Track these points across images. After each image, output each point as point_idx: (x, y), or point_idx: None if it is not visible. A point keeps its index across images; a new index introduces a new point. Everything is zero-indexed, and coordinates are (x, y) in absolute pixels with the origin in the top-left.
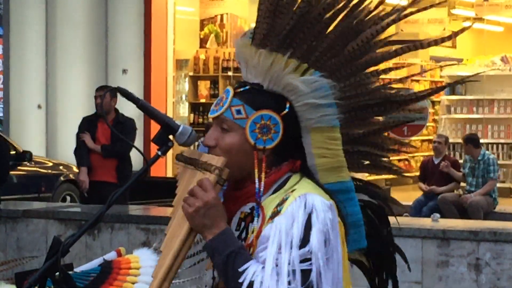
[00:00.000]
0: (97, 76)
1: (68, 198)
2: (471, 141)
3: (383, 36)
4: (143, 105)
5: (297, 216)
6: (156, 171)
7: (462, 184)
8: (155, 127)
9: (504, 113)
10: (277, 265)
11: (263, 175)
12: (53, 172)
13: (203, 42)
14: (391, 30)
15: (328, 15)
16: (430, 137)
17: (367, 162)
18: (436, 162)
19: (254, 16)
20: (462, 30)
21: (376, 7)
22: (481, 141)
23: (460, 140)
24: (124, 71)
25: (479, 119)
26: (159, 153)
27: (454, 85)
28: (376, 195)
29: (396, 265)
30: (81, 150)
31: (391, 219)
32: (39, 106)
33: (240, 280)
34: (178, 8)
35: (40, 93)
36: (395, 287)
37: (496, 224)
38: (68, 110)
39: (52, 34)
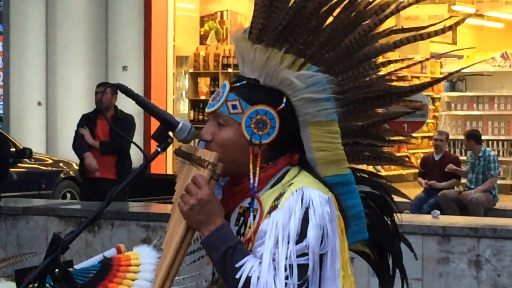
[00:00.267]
0: (97, 73)
1: (68, 195)
2: (473, 137)
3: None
4: (142, 102)
5: (294, 211)
6: (156, 168)
7: (463, 180)
8: (155, 124)
9: (504, 109)
10: (274, 260)
11: (257, 170)
12: (53, 169)
13: (203, 39)
14: (391, 25)
15: (324, 9)
16: (431, 134)
17: (367, 153)
18: (436, 158)
19: None
20: (463, 19)
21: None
22: (482, 137)
23: (460, 137)
24: (124, 68)
25: (479, 116)
26: (159, 149)
27: (447, 78)
28: (378, 186)
29: (401, 255)
30: (79, 142)
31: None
32: (39, 103)
33: (237, 276)
34: (178, 5)
35: (40, 90)
36: (403, 277)
37: (496, 220)
38: (68, 107)
39: (52, 31)
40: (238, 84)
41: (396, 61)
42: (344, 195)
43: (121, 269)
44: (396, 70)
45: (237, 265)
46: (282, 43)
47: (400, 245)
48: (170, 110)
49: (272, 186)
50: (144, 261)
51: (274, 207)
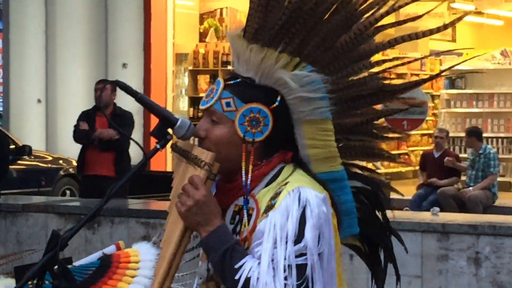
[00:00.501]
0: (97, 70)
1: (68, 192)
2: (475, 134)
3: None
4: (141, 99)
5: (292, 211)
6: (155, 165)
7: (463, 178)
8: (154, 121)
9: (504, 107)
10: (273, 261)
11: (250, 168)
12: (53, 166)
13: (202, 36)
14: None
15: (320, 9)
16: (430, 131)
17: (360, 150)
18: (436, 156)
19: None
20: (459, 18)
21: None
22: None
23: (459, 134)
24: (124, 65)
25: (479, 113)
26: (158, 146)
27: (441, 76)
28: (370, 181)
29: (392, 248)
30: (82, 131)
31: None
32: (39, 101)
33: (237, 277)
34: (177, 2)
35: (40, 87)
36: (396, 270)
37: (495, 218)
38: (68, 104)
39: (52, 28)
40: (232, 82)
41: (396, 58)
42: (336, 191)
43: (120, 266)
44: (390, 67)
45: (236, 266)
46: (278, 43)
47: (391, 239)
48: (169, 108)
49: (267, 185)
50: (143, 258)
51: (270, 207)
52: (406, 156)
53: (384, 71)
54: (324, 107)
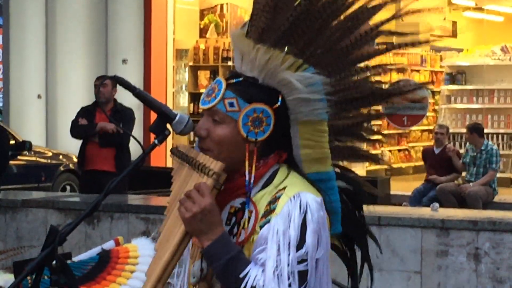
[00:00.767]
0: (97, 66)
1: (68, 187)
2: (476, 130)
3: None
4: (139, 94)
5: (293, 217)
6: (156, 161)
7: (463, 174)
8: (154, 117)
9: (504, 103)
10: (277, 267)
11: (253, 168)
12: (53, 162)
13: (203, 32)
14: (392, 25)
15: (327, 11)
16: (430, 127)
17: (346, 150)
18: (436, 152)
19: None
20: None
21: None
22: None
23: (460, 130)
24: (124, 61)
25: (479, 109)
26: (156, 141)
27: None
28: (351, 180)
29: (368, 247)
30: (80, 126)
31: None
32: (39, 96)
33: (242, 286)
34: None
35: (40, 83)
36: (370, 269)
37: (495, 213)
38: (68, 100)
39: (52, 24)
40: (234, 81)
41: (391, 64)
42: (326, 191)
43: (119, 261)
44: (383, 65)
45: (241, 275)
46: (284, 44)
47: (366, 238)
48: (169, 103)
49: (263, 187)
50: (142, 254)
51: (270, 211)
52: (406, 153)
53: (377, 67)
54: (322, 108)
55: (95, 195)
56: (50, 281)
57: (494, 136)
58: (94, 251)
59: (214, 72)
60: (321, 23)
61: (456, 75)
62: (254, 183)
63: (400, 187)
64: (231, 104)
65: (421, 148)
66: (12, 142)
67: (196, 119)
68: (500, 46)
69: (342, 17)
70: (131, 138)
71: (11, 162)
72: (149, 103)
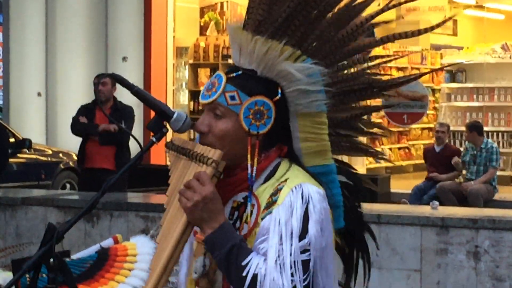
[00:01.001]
0: (97, 64)
1: (68, 185)
2: (476, 128)
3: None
4: (137, 92)
5: (296, 208)
6: (155, 158)
7: (463, 172)
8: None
9: (504, 101)
10: (279, 257)
11: (255, 161)
12: (53, 159)
13: (203, 30)
14: (391, 16)
15: (323, 2)
16: (431, 125)
17: (346, 144)
18: (437, 150)
19: None
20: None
21: None
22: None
23: (460, 128)
24: (124, 58)
25: (479, 107)
26: (154, 139)
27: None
28: (353, 176)
29: (366, 243)
30: (81, 124)
31: (372, 205)
32: (39, 94)
33: (244, 274)
34: None
35: (40, 80)
36: (369, 265)
37: (495, 211)
38: (68, 97)
39: (52, 22)
40: (234, 74)
41: (389, 56)
42: (327, 184)
43: (118, 259)
44: (381, 63)
45: (243, 263)
46: (281, 35)
47: (364, 234)
48: (170, 101)
49: (265, 181)
50: (141, 251)
51: (272, 203)
52: (406, 151)
53: (375, 66)
54: (321, 100)
55: (95, 193)
56: (47, 279)
57: (495, 134)
58: (92, 249)
59: (214, 70)
60: (317, 14)
61: (456, 73)
62: (256, 176)
63: (400, 185)
64: (232, 98)
65: (421, 146)
66: (12, 140)
67: (196, 117)
68: (500, 44)
69: (337, 8)
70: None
71: (11, 160)
72: (147, 101)
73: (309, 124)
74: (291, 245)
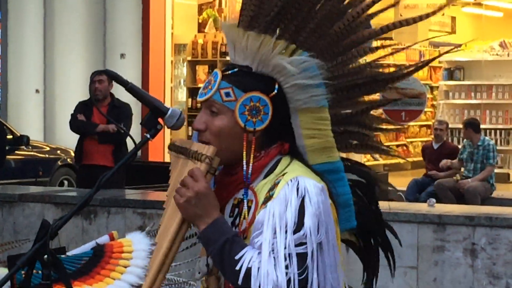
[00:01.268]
0: (95, 61)
1: (66, 182)
2: (471, 125)
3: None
4: (132, 88)
5: (290, 200)
6: (153, 155)
7: (462, 170)
8: None
9: (502, 98)
10: (273, 250)
11: (251, 158)
12: (51, 156)
13: (201, 27)
14: (390, 15)
15: None
16: (429, 123)
17: (355, 142)
18: (435, 147)
19: None
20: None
21: None
22: (480, 126)
23: (458, 126)
24: (122, 55)
25: (477, 105)
26: (148, 136)
27: (426, 66)
28: (364, 174)
29: (389, 242)
30: (80, 122)
31: (383, 203)
32: (37, 91)
33: (237, 268)
34: None
35: (38, 77)
36: (393, 264)
37: (492, 209)
38: (66, 94)
39: (50, 18)
40: (230, 72)
41: (384, 46)
42: (333, 182)
43: (113, 256)
44: (385, 55)
45: (236, 257)
46: (274, 29)
47: (386, 233)
48: (168, 98)
49: (265, 177)
50: (136, 248)
51: (269, 198)
52: (404, 148)
53: (377, 60)
54: (321, 95)
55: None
56: (41, 275)
57: (492, 131)
58: (88, 246)
59: (212, 67)
60: (310, 7)
61: (454, 71)
62: (256, 173)
63: (398, 182)
64: (227, 94)
65: (419, 144)
66: (10, 136)
67: (194, 114)
68: (498, 42)
69: (330, 0)
70: (131, 133)
71: (9, 156)
72: (141, 98)
73: (310, 120)
74: (286, 238)
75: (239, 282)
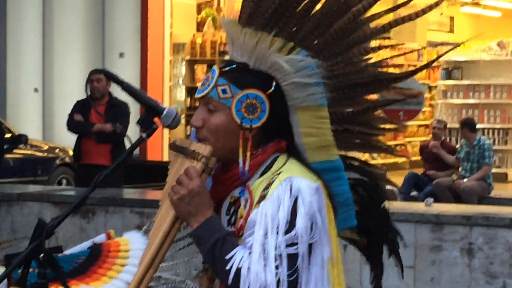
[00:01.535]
0: (94, 60)
1: (64, 181)
2: (467, 125)
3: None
4: (127, 87)
5: (283, 200)
6: (152, 155)
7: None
8: None
9: (500, 98)
10: (264, 250)
11: (248, 155)
12: (49, 155)
13: (200, 26)
14: (388, 14)
15: None
16: (427, 122)
17: (357, 141)
18: None
19: None
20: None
21: None
22: (477, 126)
23: (456, 125)
24: (121, 54)
25: (475, 104)
26: (144, 135)
27: (428, 67)
28: (368, 173)
29: (395, 241)
30: (77, 123)
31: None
32: (35, 90)
33: (228, 268)
34: None
35: (36, 76)
36: (400, 264)
37: (489, 209)
38: (64, 93)
39: (49, 17)
40: (227, 68)
41: (393, 46)
42: (332, 181)
43: (110, 255)
44: (387, 58)
45: (227, 257)
46: (272, 27)
47: (392, 232)
48: (166, 97)
49: (261, 175)
50: (133, 247)
51: (263, 197)
52: (403, 147)
53: (379, 61)
54: (319, 93)
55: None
56: (37, 274)
57: (490, 131)
58: (85, 245)
59: (211, 66)
60: (308, 5)
61: (452, 70)
62: (252, 171)
63: (396, 182)
64: (224, 91)
65: (418, 143)
66: (8, 135)
67: (193, 113)
68: (496, 41)
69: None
70: (127, 131)
71: (7, 155)
72: (137, 97)
73: (309, 118)
74: (277, 238)
75: (229, 281)
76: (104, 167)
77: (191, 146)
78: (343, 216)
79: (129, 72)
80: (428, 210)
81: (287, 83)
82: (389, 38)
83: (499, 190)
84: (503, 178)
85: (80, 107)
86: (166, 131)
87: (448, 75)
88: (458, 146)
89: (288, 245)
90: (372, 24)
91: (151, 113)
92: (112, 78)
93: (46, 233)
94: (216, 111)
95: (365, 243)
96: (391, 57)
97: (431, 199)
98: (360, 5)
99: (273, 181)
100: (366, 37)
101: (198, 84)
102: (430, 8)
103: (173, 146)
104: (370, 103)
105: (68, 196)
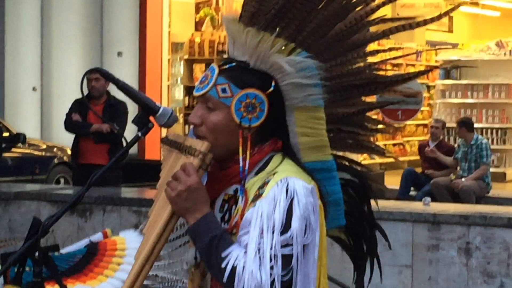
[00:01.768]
0: (92, 58)
1: (62, 180)
2: (464, 124)
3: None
4: (123, 86)
5: (279, 201)
6: (150, 153)
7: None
8: None
9: (498, 98)
10: (259, 250)
11: (248, 154)
12: (47, 154)
13: (198, 25)
14: (387, 14)
15: None
16: (425, 122)
17: (349, 141)
18: (432, 146)
19: None
20: (453, 9)
21: None
22: (476, 125)
23: (454, 125)
24: (119, 54)
25: (473, 104)
26: (139, 134)
27: (428, 72)
28: (358, 173)
29: (376, 243)
30: (75, 122)
31: (372, 202)
32: (34, 89)
33: (223, 265)
34: None
35: (35, 75)
36: (378, 264)
37: (486, 208)
38: (63, 92)
39: (48, 16)
40: (227, 67)
41: (392, 48)
42: (324, 181)
43: (107, 253)
44: (387, 59)
45: (223, 254)
46: (274, 27)
47: (375, 234)
48: (164, 97)
49: (256, 173)
50: (130, 246)
51: (258, 196)
52: (401, 147)
53: (380, 62)
54: (317, 94)
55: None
56: (32, 273)
57: (489, 131)
58: (82, 243)
59: (209, 66)
60: (311, 7)
61: (451, 70)
62: (249, 169)
63: (395, 181)
64: (224, 90)
65: (416, 143)
66: (6, 134)
67: (191, 112)
68: (495, 41)
69: (332, 2)
70: (125, 131)
71: (5, 154)
72: (132, 96)
73: (305, 118)
74: (272, 238)
75: (224, 279)
76: (102, 166)
77: (187, 141)
78: (332, 215)
79: (127, 71)
80: (425, 209)
81: (287, 83)
82: (388, 37)
83: (497, 190)
84: (501, 177)
85: (78, 106)
86: (164, 130)
87: (447, 74)
88: (456, 145)
89: (283, 246)
90: (373, 29)
91: (147, 112)
92: (107, 77)
93: (41, 232)
94: (214, 109)
95: (350, 243)
96: (390, 59)
97: (428, 199)
98: (362, 10)
99: (268, 181)
100: (365, 41)
101: (196, 83)
102: (432, 20)
103: (165, 141)
104: (366, 105)
105: (65, 195)
